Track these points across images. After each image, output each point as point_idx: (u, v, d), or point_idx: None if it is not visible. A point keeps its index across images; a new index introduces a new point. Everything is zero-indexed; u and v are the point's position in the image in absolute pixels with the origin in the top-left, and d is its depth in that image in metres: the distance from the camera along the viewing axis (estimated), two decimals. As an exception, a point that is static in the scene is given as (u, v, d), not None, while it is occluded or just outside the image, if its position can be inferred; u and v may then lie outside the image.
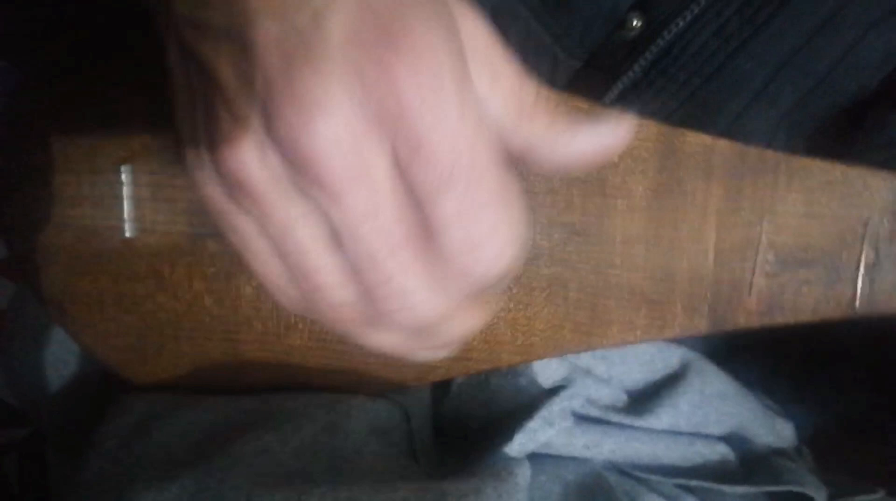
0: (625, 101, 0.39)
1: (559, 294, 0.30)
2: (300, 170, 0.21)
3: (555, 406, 0.35)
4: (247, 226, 0.23)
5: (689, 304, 0.29)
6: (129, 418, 0.34)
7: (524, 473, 0.33)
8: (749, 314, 0.29)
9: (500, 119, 0.24)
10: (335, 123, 0.21)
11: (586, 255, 0.29)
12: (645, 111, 0.39)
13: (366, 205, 0.22)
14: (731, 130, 0.38)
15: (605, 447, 0.38)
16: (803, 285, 0.28)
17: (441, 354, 0.26)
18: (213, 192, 0.23)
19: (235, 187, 0.22)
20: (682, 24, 0.37)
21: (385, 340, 0.25)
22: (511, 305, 0.30)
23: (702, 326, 0.29)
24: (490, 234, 0.22)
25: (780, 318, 0.29)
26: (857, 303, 0.28)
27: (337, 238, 0.23)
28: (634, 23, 0.38)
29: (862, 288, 0.28)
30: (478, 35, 0.24)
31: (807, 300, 0.28)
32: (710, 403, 0.40)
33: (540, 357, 0.31)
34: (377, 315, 0.24)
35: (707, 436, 0.40)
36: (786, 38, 0.36)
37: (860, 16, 0.35)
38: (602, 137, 0.25)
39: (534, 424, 0.34)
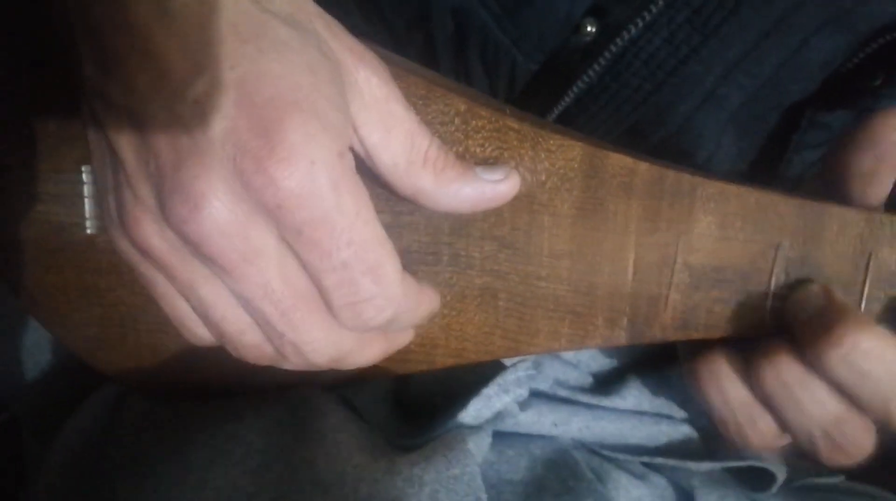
0: (580, 105, 0.40)
1: (490, 303, 0.31)
2: (193, 248, 0.23)
3: (510, 375, 0.37)
4: (156, 275, 0.25)
5: (610, 317, 0.30)
6: (95, 413, 0.36)
7: (477, 441, 0.34)
8: (665, 329, 0.30)
9: (391, 168, 0.26)
10: (218, 212, 0.22)
11: (515, 267, 0.31)
12: (600, 115, 0.40)
13: (256, 279, 0.24)
14: (681, 131, 0.39)
15: (572, 425, 0.39)
16: (716, 304, 0.29)
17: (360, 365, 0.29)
18: (123, 246, 0.25)
19: (140, 253, 0.24)
20: (634, 30, 0.38)
21: (299, 367, 0.27)
22: (445, 311, 0.32)
23: (621, 338, 0.30)
24: (373, 292, 0.25)
25: (695, 333, 0.30)
26: (768, 322, 0.29)
27: (237, 297, 0.25)
28: (589, 28, 0.39)
29: (772, 309, 0.29)
30: (374, 89, 0.25)
31: (719, 318, 0.30)
32: (674, 388, 0.42)
33: (471, 361, 0.32)
34: (283, 356, 0.26)
35: (671, 417, 0.42)
36: (734, 43, 0.37)
37: (805, 22, 0.36)
38: (488, 189, 0.27)
39: (489, 390, 0.36)
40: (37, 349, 0.41)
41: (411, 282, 0.28)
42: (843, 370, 0.26)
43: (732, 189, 0.29)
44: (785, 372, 0.27)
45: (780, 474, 0.39)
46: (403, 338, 0.31)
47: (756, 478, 0.40)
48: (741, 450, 0.40)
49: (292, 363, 0.27)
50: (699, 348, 0.30)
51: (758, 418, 0.30)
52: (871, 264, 0.28)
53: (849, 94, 0.37)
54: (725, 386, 0.30)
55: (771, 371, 0.28)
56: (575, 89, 0.40)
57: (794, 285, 0.29)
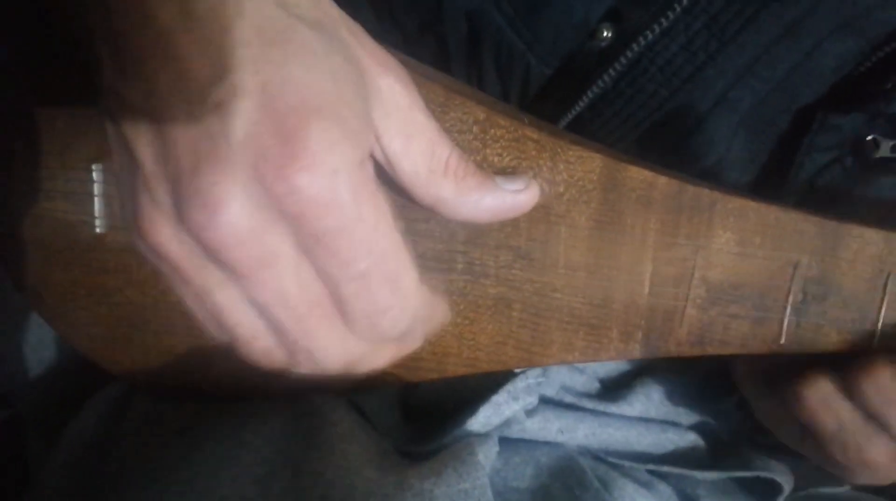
0: (594, 110, 0.40)
1: (504, 313, 0.31)
2: (210, 254, 0.23)
3: (520, 383, 0.36)
4: (173, 276, 0.25)
5: (625, 330, 0.30)
6: (99, 412, 0.35)
7: (486, 451, 0.34)
8: (680, 344, 0.30)
9: (412, 176, 0.26)
10: (236, 218, 0.22)
11: (530, 277, 0.31)
12: (614, 121, 0.40)
13: (272, 285, 0.23)
14: (693, 134, 0.39)
15: (579, 432, 0.39)
16: (732, 320, 0.29)
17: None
18: (141, 248, 0.24)
19: (156, 255, 0.24)
20: (651, 36, 0.37)
21: (311, 372, 0.27)
22: (458, 320, 0.32)
23: (636, 351, 0.30)
24: (391, 303, 0.24)
25: (710, 349, 0.30)
26: (783, 340, 0.29)
27: (252, 303, 0.24)
28: (605, 33, 0.39)
29: (788, 326, 0.29)
30: (397, 97, 0.25)
31: (735, 334, 0.29)
32: (681, 395, 0.42)
33: (484, 371, 0.32)
34: (296, 361, 0.26)
35: (677, 425, 0.42)
36: (747, 48, 0.36)
37: (818, 26, 0.35)
38: (508, 199, 0.27)
39: (499, 397, 0.36)
40: (41, 345, 0.40)
41: (426, 293, 0.28)
42: None
43: (752, 205, 0.28)
44: (888, 388, 0.27)
45: (787, 485, 0.39)
46: (414, 343, 0.31)
47: (762, 488, 0.40)
48: (751, 460, 0.40)
49: (304, 368, 0.27)
50: (758, 365, 0.30)
51: (873, 436, 0.29)
52: (889, 283, 0.28)
53: (861, 96, 0.36)
54: (836, 409, 0.29)
55: (873, 387, 0.27)
56: (589, 94, 0.39)
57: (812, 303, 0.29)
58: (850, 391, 0.28)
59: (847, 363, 0.28)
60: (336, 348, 0.25)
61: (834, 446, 0.30)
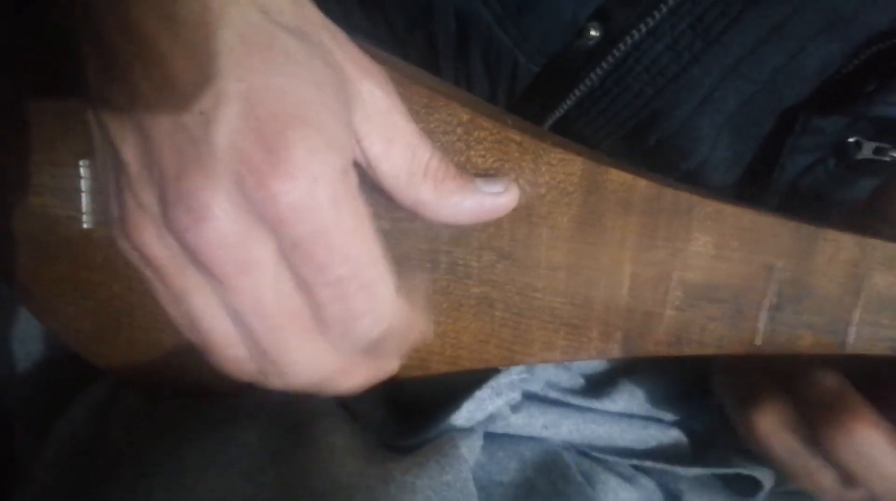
0: (581, 108, 0.40)
1: (486, 312, 0.32)
2: (192, 256, 0.23)
3: (503, 379, 0.37)
4: (153, 277, 0.25)
5: (604, 330, 0.31)
6: (86, 411, 0.36)
7: (470, 445, 0.35)
8: (658, 344, 0.30)
9: (392, 179, 0.26)
10: (220, 223, 0.22)
11: (512, 277, 0.31)
12: (600, 119, 0.40)
13: (249, 292, 0.24)
14: (678, 134, 0.39)
15: (563, 427, 0.39)
16: (709, 322, 0.30)
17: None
18: (123, 247, 0.25)
19: (139, 256, 0.24)
20: (637, 35, 0.38)
21: (279, 387, 0.27)
22: (441, 318, 0.32)
23: (615, 351, 0.31)
24: (366, 309, 0.25)
25: (687, 349, 0.30)
26: (759, 342, 0.29)
27: (228, 309, 0.25)
28: (592, 32, 0.39)
29: (763, 328, 0.29)
30: (377, 101, 0.25)
31: (711, 336, 0.30)
32: (664, 392, 0.42)
33: (466, 369, 0.33)
34: (264, 374, 0.26)
35: (660, 421, 0.42)
36: (732, 48, 0.37)
37: (802, 28, 0.36)
38: (488, 201, 0.28)
39: (482, 393, 0.36)
40: (29, 340, 0.41)
41: (404, 307, 0.27)
42: None
43: (729, 209, 0.29)
44: (863, 444, 0.27)
45: (767, 482, 0.40)
46: (389, 367, 0.31)
47: (743, 484, 0.40)
48: (732, 457, 0.41)
49: (272, 383, 0.27)
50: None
51: (822, 469, 0.30)
52: (863, 288, 0.28)
53: (843, 99, 0.37)
54: (785, 439, 0.30)
55: (846, 443, 0.27)
56: (576, 93, 0.40)
57: (788, 308, 0.29)
58: (826, 450, 0.28)
59: (819, 410, 0.29)
60: (305, 364, 0.26)
61: (786, 470, 0.31)
